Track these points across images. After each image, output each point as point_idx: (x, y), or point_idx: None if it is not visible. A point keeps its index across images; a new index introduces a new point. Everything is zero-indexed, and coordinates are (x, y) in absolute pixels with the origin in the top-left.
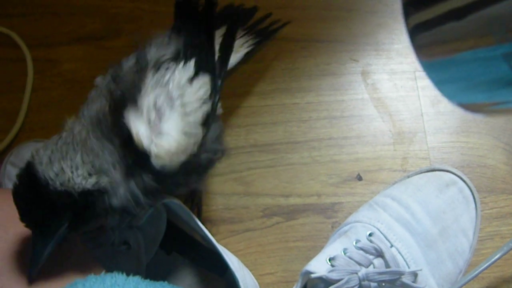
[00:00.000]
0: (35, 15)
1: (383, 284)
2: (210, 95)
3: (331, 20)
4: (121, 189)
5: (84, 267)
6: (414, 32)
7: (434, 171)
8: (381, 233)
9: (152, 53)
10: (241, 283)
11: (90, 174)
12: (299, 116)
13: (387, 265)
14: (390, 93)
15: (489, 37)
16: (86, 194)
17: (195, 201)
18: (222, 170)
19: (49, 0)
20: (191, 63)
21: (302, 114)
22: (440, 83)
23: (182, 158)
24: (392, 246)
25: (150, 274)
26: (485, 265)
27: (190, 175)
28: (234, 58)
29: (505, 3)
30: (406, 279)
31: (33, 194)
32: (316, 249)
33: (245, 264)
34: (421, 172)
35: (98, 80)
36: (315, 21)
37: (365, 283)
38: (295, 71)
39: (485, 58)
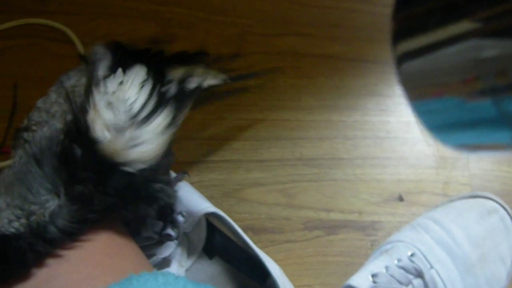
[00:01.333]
0: (91, 15)
1: None
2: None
3: (382, 43)
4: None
5: (137, 263)
6: (401, 60)
7: (476, 197)
8: (422, 254)
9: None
10: None
11: (11, 220)
12: (345, 133)
13: (425, 286)
14: None
15: (475, 83)
16: (7, 238)
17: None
18: (267, 181)
19: (106, 1)
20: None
21: (348, 131)
22: (430, 126)
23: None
24: (432, 267)
25: (190, 277)
26: None
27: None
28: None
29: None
30: None
31: None
32: (354, 265)
33: None
34: (464, 198)
35: (40, 102)
36: (366, 42)
37: None
38: (343, 89)
39: (473, 107)
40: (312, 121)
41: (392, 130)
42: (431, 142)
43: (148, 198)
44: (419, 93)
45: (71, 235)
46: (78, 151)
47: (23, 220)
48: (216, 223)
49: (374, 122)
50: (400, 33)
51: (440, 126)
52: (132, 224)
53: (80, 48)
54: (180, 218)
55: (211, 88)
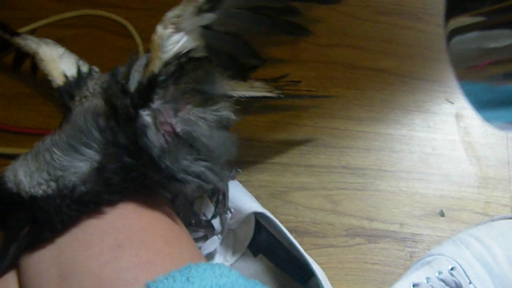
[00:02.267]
0: (152, 11)
1: None
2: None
3: (432, 61)
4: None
5: (194, 253)
6: (451, 36)
7: None
8: (462, 269)
9: None
10: None
11: (40, 183)
12: (391, 146)
13: None
14: (480, 138)
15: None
16: (36, 200)
17: (217, 201)
18: (313, 186)
19: None
20: None
21: (395, 145)
22: (480, 106)
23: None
24: (470, 283)
25: None
26: None
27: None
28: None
29: None
30: None
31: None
32: (392, 275)
33: None
34: (506, 218)
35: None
36: (417, 59)
37: None
38: (392, 104)
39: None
40: (360, 132)
41: (438, 147)
42: (474, 162)
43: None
44: (463, 73)
45: (103, 199)
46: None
47: (52, 183)
48: (263, 222)
49: (420, 137)
50: (453, 9)
51: (481, 104)
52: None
53: (139, 42)
54: (227, 214)
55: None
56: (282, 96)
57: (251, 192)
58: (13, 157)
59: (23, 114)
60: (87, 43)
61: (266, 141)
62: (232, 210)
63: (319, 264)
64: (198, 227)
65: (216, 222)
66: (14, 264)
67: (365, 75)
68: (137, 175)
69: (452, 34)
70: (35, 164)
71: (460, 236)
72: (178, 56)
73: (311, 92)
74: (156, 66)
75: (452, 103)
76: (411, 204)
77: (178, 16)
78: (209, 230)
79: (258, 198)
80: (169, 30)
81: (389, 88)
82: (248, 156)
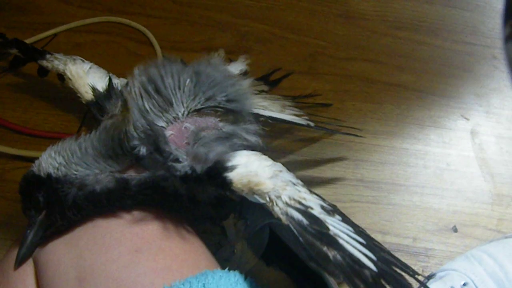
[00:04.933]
0: (171, 20)
1: None
2: None
3: (449, 77)
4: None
5: (209, 260)
6: (508, 39)
7: None
8: (474, 285)
9: None
10: None
11: (54, 165)
12: (406, 160)
13: None
14: (495, 155)
15: None
16: (52, 180)
17: (237, 225)
18: (327, 197)
19: (186, 9)
20: None
21: (410, 159)
22: None
23: None
24: None
25: None
26: None
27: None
28: (278, 114)
29: None
30: None
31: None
32: None
33: None
34: None
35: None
36: (434, 75)
37: None
38: (408, 118)
39: None
40: (375, 146)
41: (452, 163)
42: (489, 178)
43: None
44: None
45: (115, 201)
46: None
47: (62, 168)
48: (277, 232)
49: (435, 153)
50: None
51: None
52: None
53: (158, 49)
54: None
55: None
56: (311, 125)
57: None
58: (32, 160)
59: (41, 117)
60: (107, 50)
61: (281, 151)
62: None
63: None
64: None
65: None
66: (31, 253)
67: (382, 89)
68: (155, 190)
69: (510, 37)
70: (57, 152)
71: (473, 252)
72: None
73: (342, 128)
74: None
75: (468, 119)
76: (425, 218)
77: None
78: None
79: None
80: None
81: (405, 103)
82: None
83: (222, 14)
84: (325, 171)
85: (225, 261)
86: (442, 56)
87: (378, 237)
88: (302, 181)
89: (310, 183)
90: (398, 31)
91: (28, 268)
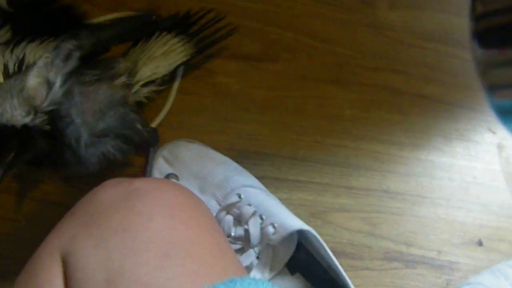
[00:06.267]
0: None
1: None
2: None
3: (476, 90)
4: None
5: (237, 266)
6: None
7: None
8: None
9: None
10: None
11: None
12: (432, 173)
13: None
14: None
15: None
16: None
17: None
18: (352, 208)
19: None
20: None
21: (436, 172)
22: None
23: None
24: None
25: None
26: None
27: None
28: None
29: None
30: None
31: None
32: None
33: None
34: None
35: None
36: (462, 88)
37: None
38: (435, 130)
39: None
40: (401, 157)
41: (478, 176)
42: None
43: None
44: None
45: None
46: None
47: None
48: (303, 240)
49: (461, 166)
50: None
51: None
52: None
53: None
54: (270, 229)
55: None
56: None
57: (291, 210)
58: None
59: None
60: None
61: (308, 160)
62: (275, 225)
63: (354, 286)
64: (235, 240)
65: (254, 236)
66: None
67: (409, 100)
68: None
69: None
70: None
71: (499, 267)
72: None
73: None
74: None
75: (495, 133)
76: (450, 231)
77: None
78: (247, 242)
79: (297, 216)
80: None
81: (432, 115)
82: (290, 174)
83: (250, 21)
84: (350, 181)
85: (248, 267)
86: (470, 69)
87: (402, 248)
88: (328, 190)
89: (335, 193)
90: (426, 43)
91: (56, 270)
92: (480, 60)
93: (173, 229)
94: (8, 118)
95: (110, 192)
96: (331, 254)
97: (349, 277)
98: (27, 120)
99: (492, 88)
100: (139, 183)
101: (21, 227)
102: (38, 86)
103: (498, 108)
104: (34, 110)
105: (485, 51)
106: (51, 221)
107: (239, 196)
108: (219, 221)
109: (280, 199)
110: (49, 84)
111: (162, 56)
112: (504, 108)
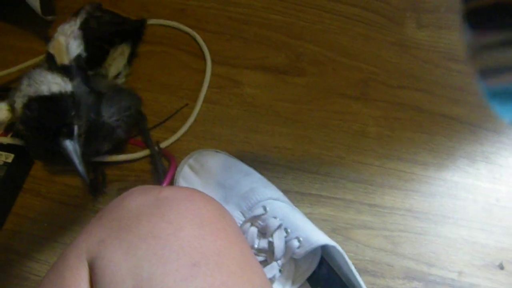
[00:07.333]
0: (226, 36)
1: None
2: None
3: None
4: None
5: (263, 278)
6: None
7: None
8: None
9: None
10: None
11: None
12: (455, 193)
13: None
14: None
15: None
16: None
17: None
18: (375, 225)
19: (242, 25)
20: None
21: (459, 193)
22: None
23: None
24: None
25: None
26: None
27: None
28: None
29: None
30: None
31: None
32: None
33: None
34: None
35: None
36: (487, 110)
37: None
38: (460, 152)
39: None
40: (426, 177)
41: (502, 199)
42: None
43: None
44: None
45: None
46: None
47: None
48: (325, 255)
49: (485, 188)
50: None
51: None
52: None
53: (209, 64)
54: (295, 243)
55: None
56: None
57: None
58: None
59: None
60: (161, 60)
61: (331, 176)
62: (301, 239)
63: None
64: (258, 252)
65: (278, 249)
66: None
67: (433, 120)
68: None
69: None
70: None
71: None
72: None
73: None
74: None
75: None
76: (471, 253)
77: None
78: (270, 254)
79: None
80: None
81: (457, 136)
82: (312, 189)
83: (277, 34)
84: (374, 199)
85: (270, 279)
86: None
87: (424, 268)
88: (350, 206)
89: (358, 210)
90: (451, 63)
91: (83, 273)
92: (470, 43)
93: (202, 239)
94: (55, 88)
95: (140, 198)
96: (355, 271)
97: None
98: (69, 86)
99: (483, 73)
100: (168, 192)
101: (42, 228)
102: (63, 49)
103: (491, 93)
104: (69, 77)
105: (474, 32)
106: (73, 223)
107: (265, 209)
108: (243, 232)
109: (303, 213)
110: (68, 47)
111: (119, 57)
112: (496, 92)
